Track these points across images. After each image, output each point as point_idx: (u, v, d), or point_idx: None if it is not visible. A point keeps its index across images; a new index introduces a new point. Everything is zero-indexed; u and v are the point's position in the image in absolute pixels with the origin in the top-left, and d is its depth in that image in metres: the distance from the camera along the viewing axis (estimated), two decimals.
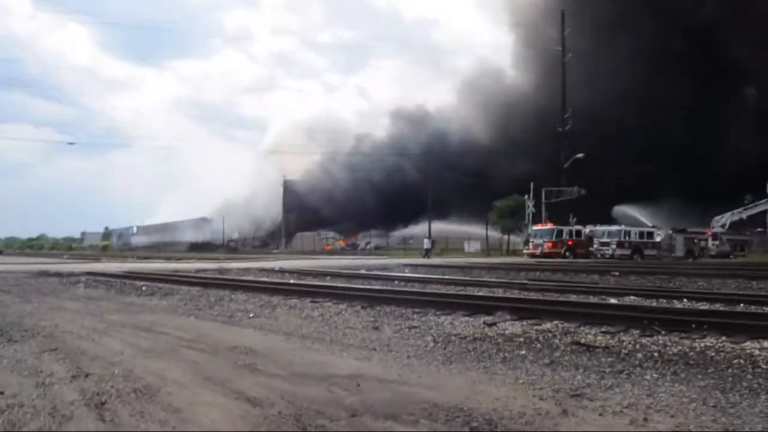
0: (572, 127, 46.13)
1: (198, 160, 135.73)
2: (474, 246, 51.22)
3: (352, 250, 68.28)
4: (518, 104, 67.02)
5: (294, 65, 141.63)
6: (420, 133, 79.38)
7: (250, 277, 18.20)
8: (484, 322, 7.96)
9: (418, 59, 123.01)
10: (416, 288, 13.80)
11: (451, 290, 13.25)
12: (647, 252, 38.33)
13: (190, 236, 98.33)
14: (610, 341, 6.55)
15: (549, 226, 40.68)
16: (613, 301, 10.25)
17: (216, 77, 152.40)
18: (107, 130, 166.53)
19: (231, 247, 77.55)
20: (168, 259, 44.42)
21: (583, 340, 6.62)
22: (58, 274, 19.68)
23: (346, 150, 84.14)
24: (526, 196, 44.91)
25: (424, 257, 39.55)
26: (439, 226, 57.08)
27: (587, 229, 40.63)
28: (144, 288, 14.70)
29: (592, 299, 10.76)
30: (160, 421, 3.82)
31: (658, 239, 39.51)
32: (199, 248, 78.51)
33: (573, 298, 10.98)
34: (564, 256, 37.68)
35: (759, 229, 44.10)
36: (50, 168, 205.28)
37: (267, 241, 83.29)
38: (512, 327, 7.69)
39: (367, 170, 79.64)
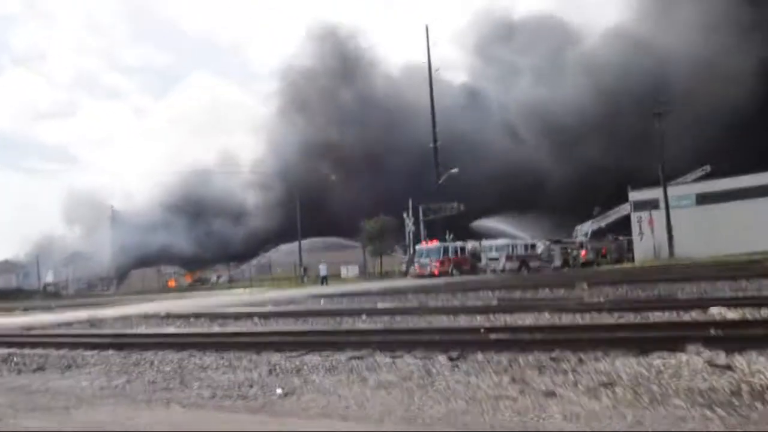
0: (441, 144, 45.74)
1: None
2: (353, 270, 48.32)
3: (202, 285, 61.62)
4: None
5: (99, 88, 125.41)
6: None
7: (177, 330, 13.57)
8: (709, 363, 5.28)
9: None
10: (449, 322, 10.86)
11: (482, 320, 10.48)
12: (532, 264, 38.49)
13: None
14: None
15: (435, 243, 39.29)
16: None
17: (5, 101, 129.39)
18: None
19: (51, 293, 65.79)
20: None
21: None
22: None
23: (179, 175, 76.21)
24: (404, 214, 43.21)
25: (321, 285, 35.72)
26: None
27: (469, 245, 39.95)
28: (16, 360, 9.74)
29: (691, 315, 8.59)
30: None
31: (539, 251, 39.98)
32: (7, 296, 65.58)
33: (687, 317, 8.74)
34: (451, 274, 36.43)
35: (612, 236, 46.92)
36: None
37: (95, 282, 72.43)
38: (760, 366, 5.08)
39: (208, 195, 72.83)
